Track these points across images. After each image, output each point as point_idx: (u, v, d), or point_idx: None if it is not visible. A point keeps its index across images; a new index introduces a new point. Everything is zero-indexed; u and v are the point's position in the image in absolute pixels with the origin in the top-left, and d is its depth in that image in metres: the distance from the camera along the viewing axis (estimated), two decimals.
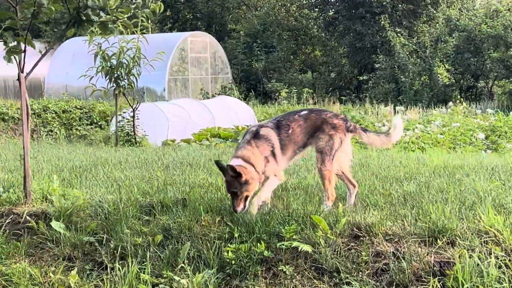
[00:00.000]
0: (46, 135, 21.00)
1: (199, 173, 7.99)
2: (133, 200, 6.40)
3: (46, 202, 6.74)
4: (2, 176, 7.58)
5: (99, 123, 22.97)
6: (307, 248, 5.12)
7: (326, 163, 5.90)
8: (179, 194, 6.61)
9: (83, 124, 22.48)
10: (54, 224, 6.13)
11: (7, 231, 6.25)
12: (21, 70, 6.53)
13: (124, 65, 12.89)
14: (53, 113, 22.91)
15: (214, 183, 7.10)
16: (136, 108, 14.33)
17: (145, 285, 5.10)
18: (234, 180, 5.51)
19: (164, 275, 5.20)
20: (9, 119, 22.29)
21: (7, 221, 6.37)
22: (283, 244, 5.20)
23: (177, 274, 5.18)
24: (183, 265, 5.27)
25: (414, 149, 13.95)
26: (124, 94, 13.30)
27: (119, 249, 5.65)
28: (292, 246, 5.17)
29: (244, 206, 5.60)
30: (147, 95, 28.36)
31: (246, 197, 5.59)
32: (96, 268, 5.62)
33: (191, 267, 5.21)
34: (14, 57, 6.42)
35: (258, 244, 5.20)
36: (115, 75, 12.90)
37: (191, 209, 6.01)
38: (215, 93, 30.47)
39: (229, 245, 5.32)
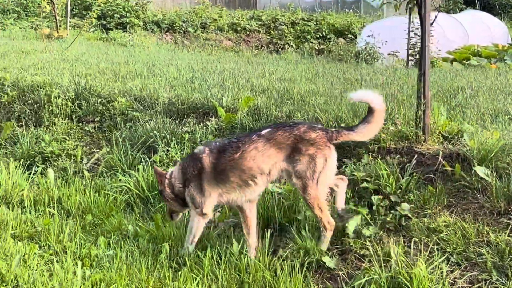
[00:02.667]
0: (280, 49, 20.50)
1: None
2: None
3: (445, 140, 5.83)
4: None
5: (327, 37, 22.03)
6: None
7: (309, 191, 4.72)
8: None
9: (315, 37, 21.69)
10: (479, 169, 5.19)
11: (414, 173, 5.45)
12: None
13: None
14: (282, 25, 22.33)
15: None
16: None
17: None
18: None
19: None
20: (241, 30, 22.02)
21: (412, 162, 5.55)
22: None
23: None
24: None
25: None
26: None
27: None
28: None
29: (171, 218, 5.25)
30: (362, 8, 26.84)
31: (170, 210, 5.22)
32: None
33: None
34: None
35: None
36: None
37: None
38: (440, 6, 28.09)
39: None
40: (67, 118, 8.03)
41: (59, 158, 7.25)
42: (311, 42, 20.99)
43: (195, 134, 6.87)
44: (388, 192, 5.34)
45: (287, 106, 7.19)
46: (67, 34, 14.52)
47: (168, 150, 6.68)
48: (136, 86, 8.46)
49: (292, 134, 4.73)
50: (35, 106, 8.34)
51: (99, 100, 8.11)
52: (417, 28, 12.56)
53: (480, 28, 18.68)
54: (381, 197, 5.30)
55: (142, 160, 6.71)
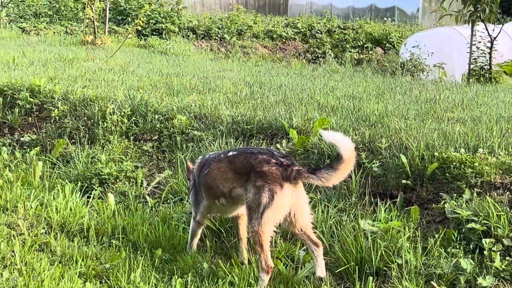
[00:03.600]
0: (318, 58, 19.92)
1: None
2: None
3: None
4: None
5: (365, 46, 21.41)
6: None
7: (253, 223, 4.60)
8: None
9: (353, 46, 21.09)
10: None
11: None
12: None
13: None
14: (320, 33, 21.78)
15: None
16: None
17: None
18: None
19: None
20: (277, 38, 21.48)
21: None
22: None
23: None
24: None
25: None
26: (483, 21, 11.35)
27: None
28: None
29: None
30: (397, 16, 26.19)
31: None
32: None
33: None
34: None
35: None
36: None
37: None
38: None
39: None
40: (122, 136, 7.52)
41: (117, 180, 6.75)
42: (349, 51, 20.40)
43: None
44: (499, 235, 4.77)
45: (364, 129, 6.63)
46: (111, 41, 14.07)
47: None
48: (194, 102, 7.94)
49: (248, 162, 4.69)
50: (88, 122, 7.85)
51: (157, 117, 7.60)
52: (479, 42, 11.96)
53: None
54: (493, 240, 4.74)
55: None
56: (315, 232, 4.96)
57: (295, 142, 6.52)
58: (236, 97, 8.22)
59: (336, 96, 8.36)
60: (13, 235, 5.51)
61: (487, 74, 11.84)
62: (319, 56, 20.17)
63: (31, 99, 8.31)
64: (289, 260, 5.08)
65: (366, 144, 6.24)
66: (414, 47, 16.73)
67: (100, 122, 7.67)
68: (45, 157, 7.41)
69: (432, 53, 16.35)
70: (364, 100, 8.13)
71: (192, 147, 7.02)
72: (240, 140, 6.92)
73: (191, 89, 8.69)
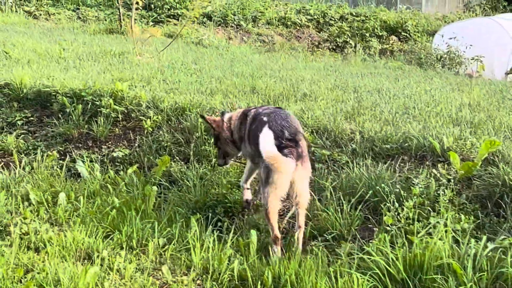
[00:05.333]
0: (339, 47, 19.04)
1: None
2: None
3: None
4: None
5: (380, 34, 20.57)
6: None
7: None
8: None
9: (372, 35, 20.23)
10: None
11: None
12: None
13: None
14: (336, 21, 20.88)
15: None
16: None
17: None
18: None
19: None
20: (291, 25, 20.52)
21: None
22: None
23: None
24: None
25: None
26: None
27: None
28: None
29: (225, 162, 5.86)
30: (399, 2, 25.41)
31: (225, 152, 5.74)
32: None
33: None
34: None
35: None
36: None
37: None
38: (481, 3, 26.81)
39: None
40: None
41: (245, 209, 5.80)
42: (369, 41, 19.56)
43: (429, 188, 5.45)
44: None
45: None
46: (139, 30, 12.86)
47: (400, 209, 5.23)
48: (302, 111, 7.02)
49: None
50: (189, 135, 6.85)
51: None
52: None
53: None
54: None
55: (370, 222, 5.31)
56: None
57: (458, 169, 5.66)
58: (347, 107, 7.31)
59: (453, 105, 7.53)
60: (159, 285, 4.57)
61: None
62: (339, 45, 19.30)
63: (116, 106, 7.25)
64: None
65: None
66: (451, 38, 16.02)
67: (202, 136, 6.68)
68: (145, 177, 6.40)
69: (471, 45, 15.61)
70: (490, 111, 7.31)
71: (322, 169, 6.09)
72: (381, 162, 6.04)
73: (289, 96, 7.72)
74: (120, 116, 7.31)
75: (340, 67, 10.81)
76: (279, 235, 4.91)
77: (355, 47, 19.04)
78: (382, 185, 5.51)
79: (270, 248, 4.95)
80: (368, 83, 8.86)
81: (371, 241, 4.98)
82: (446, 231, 4.75)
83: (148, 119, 7.08)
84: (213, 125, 5.65)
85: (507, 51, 15.52)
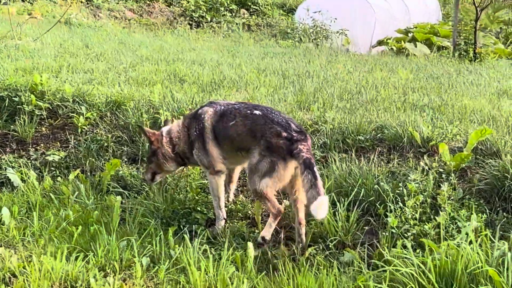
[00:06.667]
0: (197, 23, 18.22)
1: None
2: None
3: None
4: None
5: (231, 8, 20.08)
6: None
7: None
8: None
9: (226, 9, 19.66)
10: None
11: None
12: None
13: None
14: None
15: None
16: None
17: None
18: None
19: None
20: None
21: None
22: None
23: None
24: None
25: None
26: None
27: None
28: None
29: (152, 180, 5.21)
30: None
31: (159, 169, 5.15)
32: None
33: None
34: None
35: None
36: None
37: None
38: None
39: None
40: None
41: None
42: (224, 15, 18.99)
43: (426, 184, 5.03)
44: None
45: None
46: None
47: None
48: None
49: (263, 129, 4.66)
50: (129, 132, 5.86)
51: None
52: None
53: (418, 4, 17.92)
54: None
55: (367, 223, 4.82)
56: None
57: (448, 160, 5.31)
58: (291, 94, 6.71)
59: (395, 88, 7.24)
60: None
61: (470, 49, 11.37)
62: (195, 20, 18.52)
63: (39, 103, 6.17)
64: None
65: None
66: (315, 12, 15.93)
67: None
68: (89, 182, 5.37)
69: (336, 18, 15.61)
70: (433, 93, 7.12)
71: None
72: (353, 154, 5.54)
73: (215, 83, 6.92)
74: (44, 113, 6.13)
75: (234, 47, 10.11)
76: (281, 208, 4.73)
77: (210, 21, 18.41)
78: (381, 183, 5.02)
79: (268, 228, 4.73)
80: (288, 66, 8.30)
81: (372, 245, 4.53)
82: (467, 234, 4.32)
83: (81, 116, 5.97)
84: (151, 138, 5.10)
85: (371, 24, 15.76)
